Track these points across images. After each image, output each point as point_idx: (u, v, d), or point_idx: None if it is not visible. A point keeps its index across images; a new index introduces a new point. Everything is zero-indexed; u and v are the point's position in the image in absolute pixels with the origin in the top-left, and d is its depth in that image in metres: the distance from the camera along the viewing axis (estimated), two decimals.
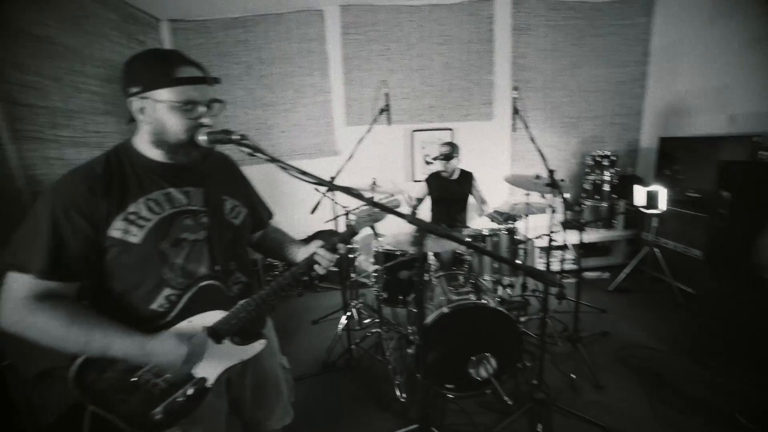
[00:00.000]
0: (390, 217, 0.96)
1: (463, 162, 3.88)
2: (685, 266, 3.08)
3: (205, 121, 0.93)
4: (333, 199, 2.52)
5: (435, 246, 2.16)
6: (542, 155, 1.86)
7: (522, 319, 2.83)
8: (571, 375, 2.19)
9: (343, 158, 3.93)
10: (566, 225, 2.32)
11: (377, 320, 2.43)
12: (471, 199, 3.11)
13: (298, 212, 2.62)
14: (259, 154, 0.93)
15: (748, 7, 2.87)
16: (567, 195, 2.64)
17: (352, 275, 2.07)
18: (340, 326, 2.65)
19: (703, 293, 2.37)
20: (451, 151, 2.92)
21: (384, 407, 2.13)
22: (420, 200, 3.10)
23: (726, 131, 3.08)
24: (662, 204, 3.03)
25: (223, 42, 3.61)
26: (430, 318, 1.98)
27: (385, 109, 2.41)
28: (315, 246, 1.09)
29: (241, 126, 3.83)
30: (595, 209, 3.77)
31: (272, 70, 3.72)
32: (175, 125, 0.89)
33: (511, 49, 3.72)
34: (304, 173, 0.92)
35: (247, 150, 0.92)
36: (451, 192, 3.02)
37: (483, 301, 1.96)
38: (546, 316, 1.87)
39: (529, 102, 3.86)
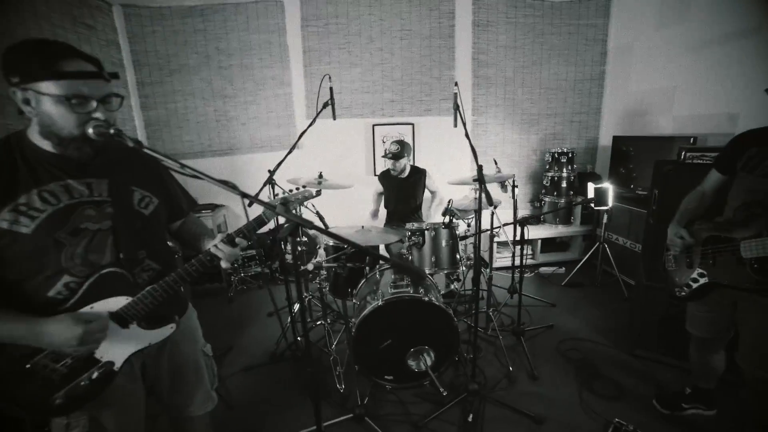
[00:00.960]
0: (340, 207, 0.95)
1: (424, 157, 3.93)
2: (630, 260, 3.16)
3: (97, 115, 0.91)
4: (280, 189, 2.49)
5: (383, 239, 2.16)
6: (473, 150, 1.87)
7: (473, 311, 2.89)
8: (509, 368, 2.23)
9: (302, 153, 3.94)
10: (522, 221, 2.34)
11: (327, 312, 2.43)
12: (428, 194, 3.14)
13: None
14: (149, 151, 0.94)
15: (694, 13, 2.95)
16: (516, 190, 2.69)
17: (308, 266, 2.04)
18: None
19: (636, 286, 2.44)
20: (399, 150, 2.86)
21: (324, 397, 2.13)
22: (377, 202, 3.10)
23: (672, 132, 3.18)
24: (610, 201, 3.10)
25: (180, 31, 3.52)
26: (365, 311, 1.98)
27: (328, 104, 2.39)
28: (217, 239, 1.10)
29: (201, 117, 3.76)
30: (553, 205, 3.84)
31: (232, 61, 3.65)
32: (63, 119, 0.89)
33: (471, 45, 3.74)
34: (199, 173, 0.97)
35: (131, 144, 0.90)
36: (401, 190, 3.01)
37: (417, 295, 1.97)
38: (479, 310, 1.90)
39: (490, 98, 3.90)
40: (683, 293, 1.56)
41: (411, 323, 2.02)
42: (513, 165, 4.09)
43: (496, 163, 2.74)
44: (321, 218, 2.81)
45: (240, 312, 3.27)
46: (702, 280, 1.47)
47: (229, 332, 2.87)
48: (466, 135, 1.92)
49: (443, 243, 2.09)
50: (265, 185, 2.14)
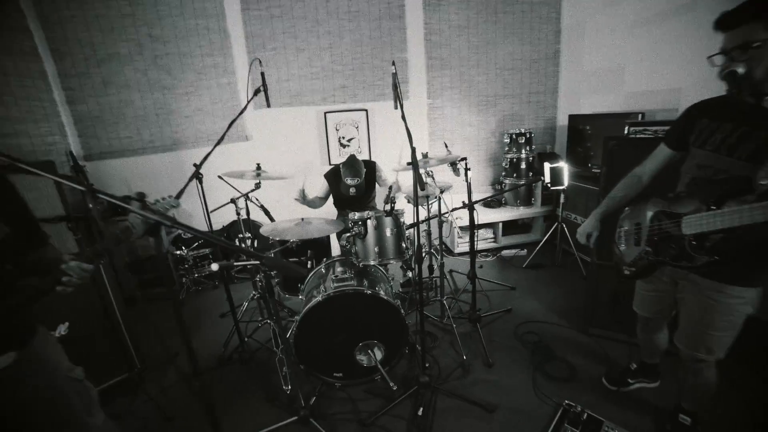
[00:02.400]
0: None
1: (379, 144, 3.80)
2: None
3: None
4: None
5: (322, 231, 2.02)
6: (408, 133, 1.75)
7: (428, 301, 2.82)
8: (464, 356, 2.16)
9: (254, 144, 3.73)
10: (471, 206, 2.24)
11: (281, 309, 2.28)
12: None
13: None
14: None
15: None
16: (468, 173, 2.60)
17: (212, 267, 1.88)
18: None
19: (590, 265, 2.41)
20: (359, 181, 2.67)
21: (271, 399, 2.01)
22: (323, 199, 2.92)
23: (623, 109, 3.18)
24: (565, 180, 3.07)
25: (103, 15, 3.21)
26: (305, 308, 1.86)
27: (261, 90, 2.20)
28: (66, 257, 0.99)
29: (139, 111, 3.48)
30: (514, 187, 3.81)
31: (168, 50, 3.37)
32: None
33: (423, 26, 3.60)
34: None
35: None
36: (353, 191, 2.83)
37: (360, 288, 1.86)
38: (437, 299, 1.81)
39: (445, 80, 3.79)
40: (629, 272, 1.50)
41: (357, 317, 1.92)
42: (472, 148, 4.02)
43: (446, 146, 2.64)
44: (266, 212, 2.65)
45: (191, 314, 3.09)
46: (647, 259, 1.40)
47: (177, 337, 2.68)
48: (402, 117, 1.80)
49: (387, 232, 1.98)
50: (190, 180, 1.95)
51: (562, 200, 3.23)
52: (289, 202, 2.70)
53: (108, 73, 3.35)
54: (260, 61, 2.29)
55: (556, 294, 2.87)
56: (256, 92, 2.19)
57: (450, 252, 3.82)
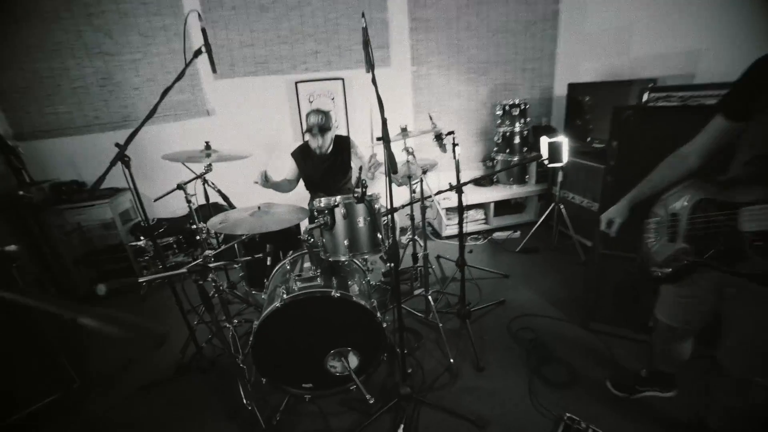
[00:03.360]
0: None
1: (358, 117, 3.41)
2: (587, 221, 2.90)
3: None
4: None
5: (281, 222, 1.68)
6: (380, 101, 1.41)
7: (416, 292, 2.55)
8: (450, 359, 1.91)
9: (216, 120, 3.31)
10: (458, 187, 1.93)
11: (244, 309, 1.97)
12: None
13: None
14: None
15: None
16: (457, 149, 2.27)
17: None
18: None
19: (592, 251, 2.15)
20: (325, 121, 2.27)
21: (231, 416, 1.75)
22: (293, 182, 2.52)
23: (630, 75, 2.83)
24: (564, 156, 2.76)
25: None
26: (264, 314, 1.56)
27: (202, 52, 1.80)
28: None
29: (77, 82, 3.00)
30: (506, 164, 3.49)
31: (103, 7, 2.87)
32: None
33: None
34: None
35: None
36: (324, 169, 2.44)
37: (327, 290, 1.56)
38: (422, 292, 1.52)
39: (431, 44, 3.38)
40: (660, 274, 1.20)
41: (326, 322, 1.63)
42: (461, 121, 3.66)
43: (431, 119, 2.29)
44: (224, 197, 2.29)
45: (153, 311, 2.79)
46: (686, 259, 1.11)
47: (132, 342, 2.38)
48: (373, 80, 1.44)
49: (360, 222, 1.66)
50: (113, 165, 1.58)
51: (559, 178, 2.94)
52: (255, 186, 2.33)
53: (30, 35, 2.84)
54: (199, 15, 1.87)
55: (552, 282, 2.62)
56: (196, 54, 1.78)
57: (437, 235, 3.53)
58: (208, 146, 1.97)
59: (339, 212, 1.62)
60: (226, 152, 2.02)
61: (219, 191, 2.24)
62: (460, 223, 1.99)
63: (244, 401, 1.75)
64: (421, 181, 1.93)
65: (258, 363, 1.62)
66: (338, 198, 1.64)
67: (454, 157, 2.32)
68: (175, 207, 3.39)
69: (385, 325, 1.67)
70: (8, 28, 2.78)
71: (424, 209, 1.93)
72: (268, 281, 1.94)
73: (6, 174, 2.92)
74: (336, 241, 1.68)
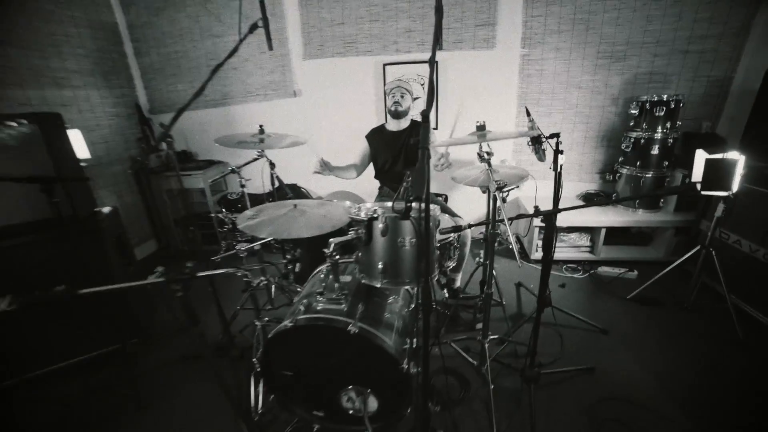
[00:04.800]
0: None
1: (452, 107, 2.98)
2: (756, 280, 1.98)
3: None
4: None
5: (319, 226, 1.47)
6: (432, 86, 1.01)
7: (478, 326, 2.12)
8: None
9: (302, 102, 3.27)
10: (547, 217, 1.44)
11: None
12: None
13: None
14: None
15: None
16: (561, 158, 1.73)
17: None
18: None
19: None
20: (408, 86, 2.25)
21: (238, 420, 1.67)
22: (359, 167, 2.33)
23: None
24: (735, 182, 1.89)
25: None
26: (275, 329, 1.38)
27: (258, 26, 1.62)
28: None
29: (192, 63, 3.31)
30: (634, 180, 2.65)
31: None
32: None
33: None
34: None
35: None
36: (396, 148, 2.26)
37: (346, 320, 1.29)
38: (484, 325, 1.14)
39: (551, 20, 2.70)
40: None
41: (345, 355, 1.37)
42: (579, 120, 2.91)
43: (528, 114, 1.76)
44: (281, 184, 2.19)
45: (219, 282, 2.96)
46: None
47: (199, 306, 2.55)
48: (431, 61, 1.06)
49: (403, 242, 1.32)
50: (159, 142, 1.56)
51: (718, 211, 2.06)
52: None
53: (166, 23, 3.20)
54: None
55: (676, 358, 1.86)
56: (252, 29, 1.62)
57: (525, 256, 2.94)
58: (261, 130, 1.85)
59: (377, 226, 1.31)
60: (277, 138, 1.88)
61: (277, 177, 2.14)
62: (546, 256, 1.48)
63: (252, 407, 1.65)
64: (494, 200, 1.46)
65: (267, 379, 1.47)
66: (379, 208, 1.32)
67: (555, 169, 1.78)
68: (266, 182, 3.58)
69: (414, 371, 1.34)
70: (152, 18, 3.17)
71: (494, 238, 1.47)
72: (304, 285, 1.77)
73: (141, 141, 3.45)
74: (371, 261, 1.38)
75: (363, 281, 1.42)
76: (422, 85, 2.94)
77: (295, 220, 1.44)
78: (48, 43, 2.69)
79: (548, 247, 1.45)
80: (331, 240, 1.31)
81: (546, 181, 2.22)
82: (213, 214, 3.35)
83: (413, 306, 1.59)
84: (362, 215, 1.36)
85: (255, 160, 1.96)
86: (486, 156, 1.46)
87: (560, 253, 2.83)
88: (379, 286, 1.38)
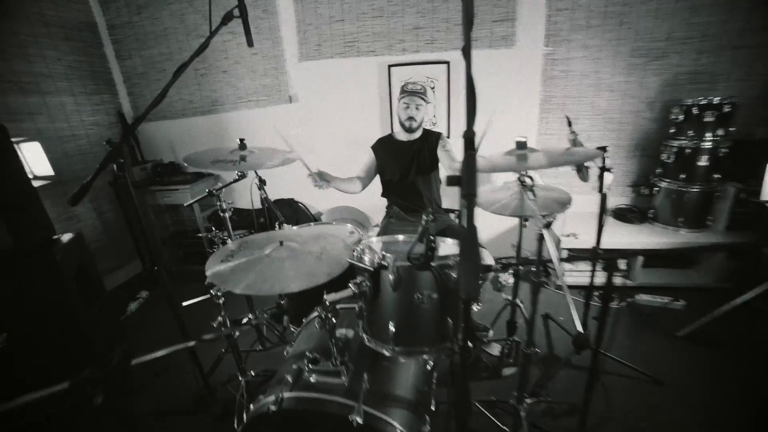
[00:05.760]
0: None
1: (462, 113, 2.66)
2: None
3: None
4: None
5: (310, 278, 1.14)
6: (470, 90, 0.69)
7: (507, 372, 1.79)
8: None
9: (298, 108, 2.96)
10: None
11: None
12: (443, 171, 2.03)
13: None
14: None
15: None
16: (608, 176, 1.42)
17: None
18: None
19: None
20: (424, 91, 1.95)
21: None
22: (365, 179, 2.06)
23: None
24: None
25: None
26: (253, 410, 1.05)
27: (233, 17, 1.32)
28: None
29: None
30: (675, 195, 2.32)
31: None
32: None
33: None
34: None
35: None
36: (407, 159, 1.95)
37: (339, 401, 0.96)
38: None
39: (578, 15, 2.38)
40: None
41: None
42: (608, 128, 2.58)
43: (570, 125, 1.45)
44: (270, 209, 1.87)
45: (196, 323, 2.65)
46: None
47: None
48: (466, 56, 0.74)
49: (421, 298, 0.99)
50: (102, 167, 1.22)
51: None
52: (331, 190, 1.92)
53: (148, 22, 2.91)
54: None
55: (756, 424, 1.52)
56: (226, 20, 1.32)
57: (549, 279, 2.60)
58: (242, 145, 1.53)
59: (387, 278, 0.98)
60: (262, 155, 1.55)
61: (265, 199, 1.83)
62: (604, 312, 1.15)
63: None
64: (541, 240, 1.13)
65: None
66: (387, 254, 1.00)
67: (601, 191, 1.47)
68: (255, 199, 3.27)
69: None
70: (134, 17, 2.89)
71: (537, 287, 1.14)
72: (296, 334, 1.44)
73: (124, 153, 3.14)
74: (378, 320, 1.05)
75: (368, 344, 1.09)
76: (433, 89, 2.62)
77: (280, 264, 1.12)
78: (11, 44, 2.39)
79: (607, 299, 1.12)
80: (326, 297, 0.98)
81: (580, 195, 1.90)
82: (201, 234, 3.06)
83: (430, 368, 1.26)
84: (366, 261, 1.04)
85: (236, 180, 1.64)
86: (529, 182, 1.13)
87: (583, 277, 2.48)
88: (386, 353, 1.05)
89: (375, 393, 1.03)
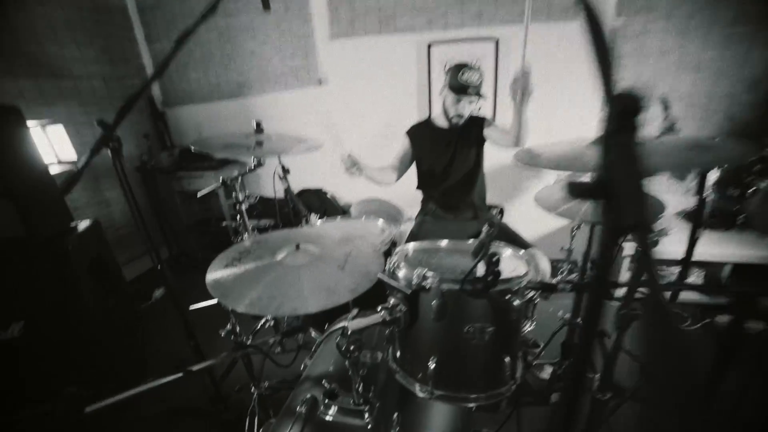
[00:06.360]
0: None
1: (507, 99, 2.33)
2: None
3: None
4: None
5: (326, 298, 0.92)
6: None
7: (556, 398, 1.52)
8: None
9: (328, 91, 2.74)
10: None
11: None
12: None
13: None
14: None
15: None
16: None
17: None
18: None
19: None
20: (482, 83, 1.61)
21: None
22: (399, 169, 1.82)
23: None
24: None
25: None
26: None
27: None
28: None
29: (204, 46, 2.86)
30: None
31: None
32: None
33: None
34: None
35: None
36: (450, 150, 1.70)
37: None
38: None
39: None
40: None
41: None
42: (690, 114, 2.15)
43: (666, 108, 1.13)
44: (292, 200, 1.69)
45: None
46: None
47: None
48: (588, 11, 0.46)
49: (472, 334, 0.75)
50: (95, 152, 1.06)
51: None
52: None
53: (177, 2, 2.79)
54: None
55: None
56: None
57: (607, 294, 2.25)
58: (259, 128, 1.33)
59: (429, 302, 0.75)
60: (282, 141, 1.35)
61: (288, 189, 1.64)
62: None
63: None
64: (642, 255, 0.85)
65: None
66: (431, 275, 0.76)
67: (701, 194, 1.16)
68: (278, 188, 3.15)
69: None
70: (161, 1, 2.78)
71: (628, 319, 0.86)
72: (318, 343, 1.25)
73: (148, 137, 3.10)
74: (415, 354, 0.82)
75: (399, 381, 0.87)
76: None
77: (295, 275, 0.91)
78: (43, 27, 2.35)
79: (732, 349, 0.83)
80: (348, 324, 0.77)
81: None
82: (225, 223, 2.96)
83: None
84: (401, 278, 0.80)
85: (251, 170, 1.46)
86: None
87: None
88: (421, 395, 0.82)
89: None
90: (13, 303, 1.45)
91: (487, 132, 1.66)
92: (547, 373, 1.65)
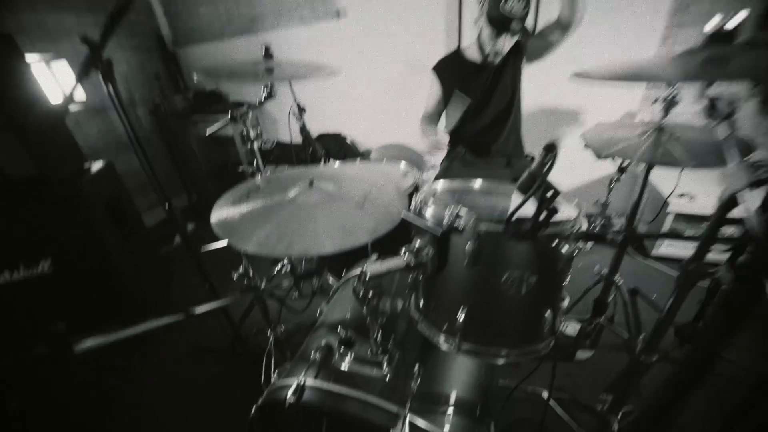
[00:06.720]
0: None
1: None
2: None
3: None
4: None
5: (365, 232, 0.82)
6: None
7: (579, 355, 1.47)
8: None
9: (346, 25, 2.47)
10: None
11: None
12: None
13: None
14: None
15: None
16: None
17: None
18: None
19: None
20: (527, 11, 1.30)
21: None
22: (435, 115, 1.65)
23: None
24: None
25: None
26: (261, 400, 0.84)
27: None
28: None
29: None
30: None
31: None
32: None
33: None
34: None
35: None
36: (485, 86, 1.49)
37: (378, 404, 0.69)
38: None
39: None
40: None
41: None
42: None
43: None
44: (311, 142, 1.57)
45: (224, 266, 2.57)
46: None
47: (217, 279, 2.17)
48: None
49: (511, 281, 0.65)
50: (83, 74, 0.94)
51: None
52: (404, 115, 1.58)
53: None
54: None
55: None
56: None
57: (641, 249, 2.10)
58: (268, 54, 1.17)
59: (462, 246, 0.64)
60: (288, 67, 1.19)
61: (304, 129, 1.51)
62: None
63: None
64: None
65: None
66: (465, 211, 0.64)
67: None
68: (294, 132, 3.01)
69: None
70: None
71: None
72: (336, 287, 1.20)
73: (160, 79, 2.96)
74: (442, 303, 0.73)
75: (422, 332, 0.79)
76: None
77: (308, 214, 0.82)
78: None
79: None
80: (366, 268, 0.67)
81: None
82: (242, 168, 2.89)
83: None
84: (429, 218, 0.69)
85: (262, 103, 1.32)
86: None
87: (686, 249, 1.92)
88: (445, 347, 0.74)
89: (426, 393, 0.76)
90: (36, 242, 1.45)
91: (531, 48, 1.43)
92: (573, 329, 1.58)
